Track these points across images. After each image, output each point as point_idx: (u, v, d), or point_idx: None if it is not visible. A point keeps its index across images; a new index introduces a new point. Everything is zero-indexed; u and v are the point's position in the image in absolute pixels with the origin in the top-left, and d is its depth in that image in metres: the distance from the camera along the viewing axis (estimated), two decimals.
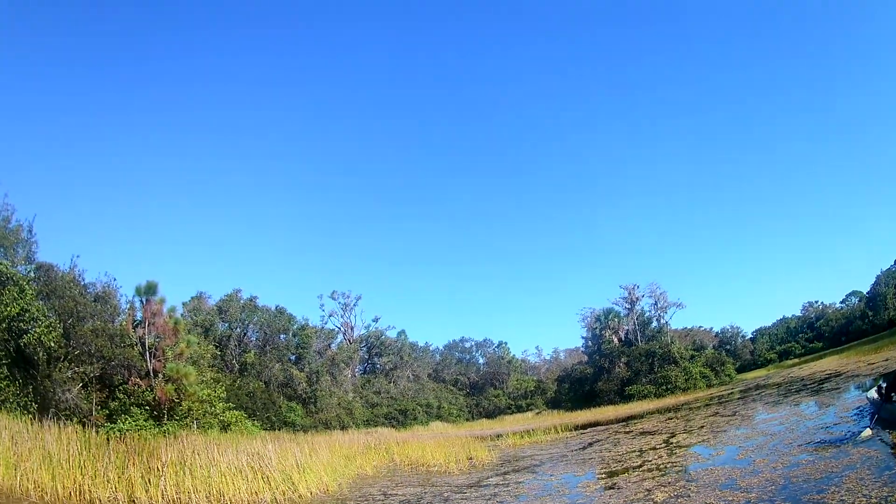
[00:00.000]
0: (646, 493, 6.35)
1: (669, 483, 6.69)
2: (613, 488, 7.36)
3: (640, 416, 27.18)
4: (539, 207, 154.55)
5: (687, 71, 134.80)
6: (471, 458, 14.42)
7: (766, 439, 7.91)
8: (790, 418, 10.14)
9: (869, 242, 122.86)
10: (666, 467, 8.16)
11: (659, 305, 56.76)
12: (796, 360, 79.59)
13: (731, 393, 31.45)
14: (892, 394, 7.71)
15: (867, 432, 7.25)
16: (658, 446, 11.36)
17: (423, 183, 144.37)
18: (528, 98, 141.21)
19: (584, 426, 26.25)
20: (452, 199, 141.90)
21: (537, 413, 54.96)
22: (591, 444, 15.57)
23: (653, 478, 7.49)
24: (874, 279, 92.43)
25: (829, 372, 22.67)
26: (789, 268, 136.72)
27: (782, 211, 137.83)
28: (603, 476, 8.87)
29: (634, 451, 11.42)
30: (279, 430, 25.74)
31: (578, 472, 9.91)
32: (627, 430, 18.88)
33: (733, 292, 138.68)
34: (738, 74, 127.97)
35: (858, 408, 9.40)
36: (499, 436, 20.17)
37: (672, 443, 11.33)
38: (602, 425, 25.03)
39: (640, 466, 8.92)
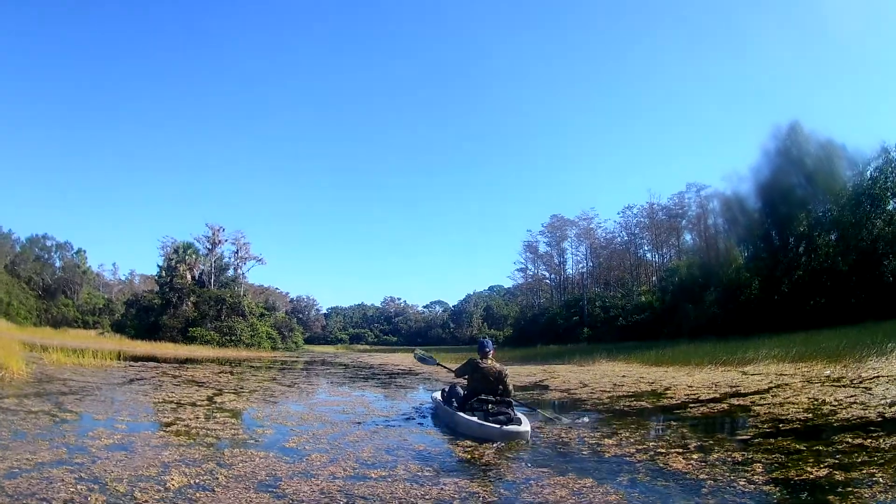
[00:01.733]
0: (160, 470, 4.71)
1: (195, 461, 5.23)
2: (128, 449, 5.57)
3: (198, 362, 25.77)
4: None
5: None
6: None
7: (326, 428, 7.15)
8: (355, 407, 9.82)
9: (477, 261, 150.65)
10: (198, 434, 6.66)
11: (240, 255, 56.78)
12: (367, 347, 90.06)
13: (296, 361, 32.38)
14: (452, 399, 7.94)
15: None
16: (199, 402, 9.66)
17: None
18: None
19: (139, 358, 24.36)
20: None
21: (101, 333, 52.49)
22: (132, 381, 13.07)
23: (178, 446, 5.94)
24: (465, 296, 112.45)
25: (403, 368, 24.56)
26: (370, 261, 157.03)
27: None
28: (122, 428, 6.91)
29: (172, 401, 9.52)
30: None
31: (99, 416, 7.65)
32: (177, 373, 16.84)
33: (317, 266, 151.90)
34: None
35: (428, 407, 9.85)
36: (46, 348, 16.47)
37: (216, 402, 9.81)
38: (157, 362, 23.38)
39: (171, 425, 7.27)
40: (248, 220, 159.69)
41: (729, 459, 5.42)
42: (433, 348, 60.46)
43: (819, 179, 30.10)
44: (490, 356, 7.88)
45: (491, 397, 7.41)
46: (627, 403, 9.98)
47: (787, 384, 10.32)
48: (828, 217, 30.06)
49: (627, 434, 7.04)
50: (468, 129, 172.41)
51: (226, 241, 55.46)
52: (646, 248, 67.82)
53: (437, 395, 9.02)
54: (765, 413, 7.83)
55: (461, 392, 8.02)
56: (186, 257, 52.23)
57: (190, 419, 7.81)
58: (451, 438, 6.95)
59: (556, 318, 60.28)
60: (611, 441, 6.61)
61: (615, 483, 4.68)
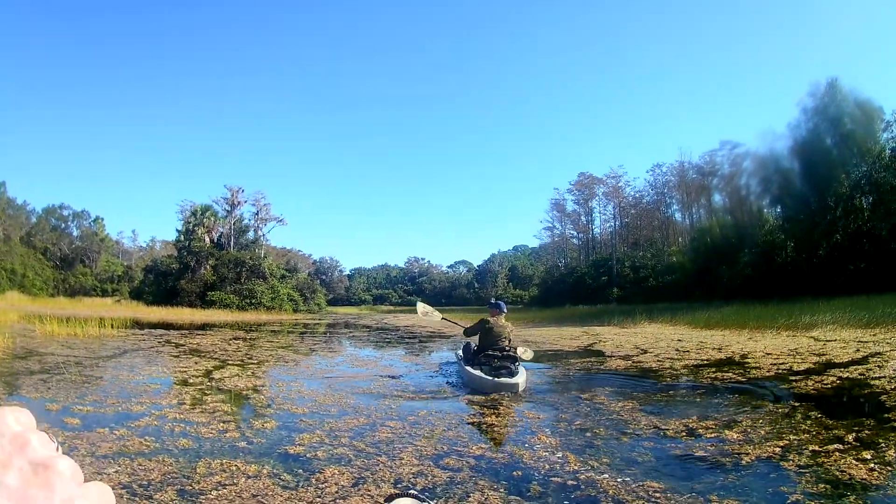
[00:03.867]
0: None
1: (146, 487, 3.37)
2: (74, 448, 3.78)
3: (214, 327, 24.53)
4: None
5: None
6: None
7: (348, 418, 5.42)
8: (385, 383, 8.11)
9: (502, 220, 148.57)
10: (172, 434, 4.79)
11: (260, 216, 54.69)
12: (391, 308, 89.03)
13: (318, 324, 30.88)
14: (480, 357, 7.99)
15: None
16: (193, 379, 7.79)
17: None
18: None
19: (150, 325, 23.06)
20: None
21: (117, 301, 51.28)
22: (124, 353, 11.38)
23: (135, 455, 4.10)
24: (489, 256, 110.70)
25: (431, 329, 22.93)
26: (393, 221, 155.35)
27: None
28: (74, 424, 5.12)
29: (159, 379, 7.83)
30: None
31: (54, 404, 5.85)
32: (182, 341, 15.18)
33: (340, 228, 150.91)
34: None
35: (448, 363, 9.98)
36: (45, 319, 15.74)
37: (213, 379, 7.96)
38: (166, 329, 21.42)
39: (141, 417, 5.42)
40: (270, 182, 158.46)
41: None
42: (458, 308, 59.31)
43: (857, 140, 29.14)
44: (502, 317, 8.36)
45: (497, 353, 7.88)
46: (711, 375, 8.26)
47: (878, 353, 9.32)
48: (866, 179, 28.58)
49: (747, 422, 5.17)
50: (494, 82, 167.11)
51: (245, 202, 53.23)
52: (675, 207, 64.74)
53: (460, 351, 9.26)
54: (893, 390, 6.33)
55: (472, 348, 8.56)
56: (204, 220, 50.56)
57: (171, 406, 5.98)
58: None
59: (584, 278, 58.06)
60: (734, 433, 4.71)
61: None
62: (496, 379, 7.30)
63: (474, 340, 8.68)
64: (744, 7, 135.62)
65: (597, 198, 69.11)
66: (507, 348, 8.01)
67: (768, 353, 10.31)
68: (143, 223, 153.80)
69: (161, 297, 43.44)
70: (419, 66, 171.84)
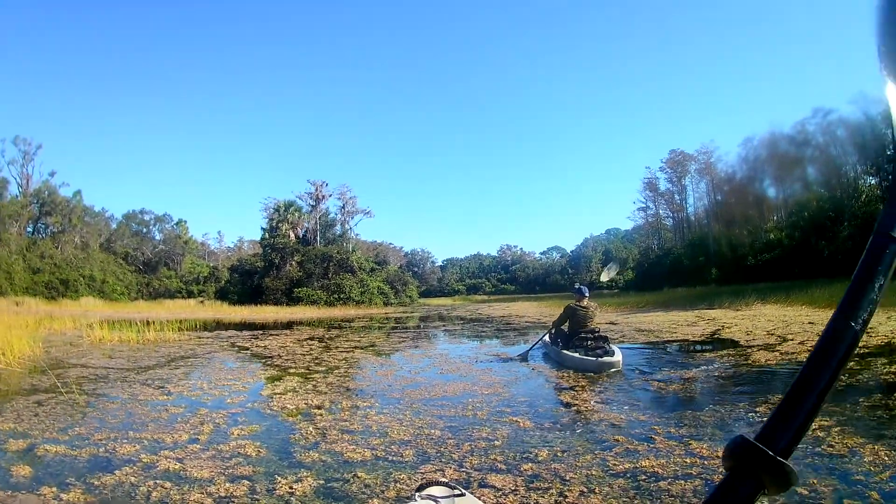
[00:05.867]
0: None
1: None
2: None
3: (299, 324, 23.19)
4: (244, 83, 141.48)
5: None
6: None
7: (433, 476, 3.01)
8: (485, 399, 5.79)
9: (593, 204, 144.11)
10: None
11: (346, 209, 53.44)
12: (485, 297, 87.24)
13: (409, 317, 29.09)
14: (559, 339, 8.97)
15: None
16: (234, 399, 5.94)
17: None
18: None
19: (230, 326, 21.71)
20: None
21: (201, 302, 49.44)
22: (170, 362, 9.73)
23: None
24: (582, 241, 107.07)
25: (530, 320, 20.86)
26: (488, 209, 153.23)
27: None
28: (26, 469, 3.22)
29: (191, 399, 5.88)
30: None
31: (17, 442, 4.09)
32: (248, 344, 13.54)
33: (431, 220, 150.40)
34: None
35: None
36: (93, 324, 14.87)
37: (259, 399, 6.07)
38: (245, 329, 20.00)
39: (110, 475, 3.47)
40: (358, 176, 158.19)
41: None
42: (552, 295, 56.70)
43: None
44: (586, 300, 8.96)
45: (589, 334, 8.44)
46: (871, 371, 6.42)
47: None
48: None
49: None
50: (579, 61, 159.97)
51: (330, 195, 51.73)
52: (767, 181, 59.14)
53: (546, 337, 10.00)
54: None
55: (565, 332, 9.03)
56: (288, 216, 49.75)
57: (174, 446, 4.03)
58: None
59: (681, 259, 54.68)
60: None
61: None
62: (598, 359, 7.77)
63: (564, 326, 9.14)
64: None
65: (689, 175, 64.14)
66: (597, 329, 8.68)
67: None
68: (230, 224, 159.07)
69: (246, 297, 42.39)
70: (510, 57, 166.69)
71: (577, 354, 8.10)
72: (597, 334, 8.42)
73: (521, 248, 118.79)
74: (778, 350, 8.70)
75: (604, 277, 10.58)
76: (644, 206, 70.20)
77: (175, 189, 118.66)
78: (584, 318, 8.68)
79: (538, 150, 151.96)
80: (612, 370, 7.49)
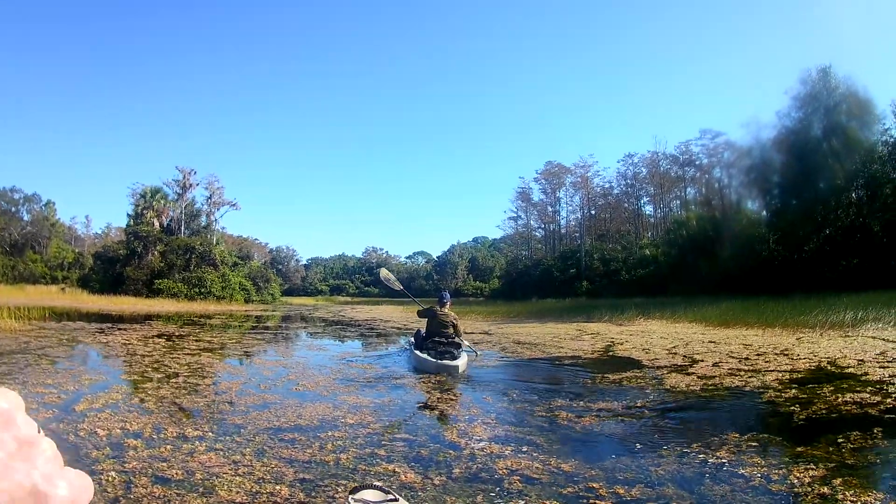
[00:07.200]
0: None
1: None
2: None
3: (157, 317, 22.84)
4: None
5: None
6: None
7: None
8: (355, 438, 5.15)
9: (462, 211, 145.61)
10: None
11: (213, 200, 51.82)
12: (348, 299, 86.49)
13: (270, 316, 28.57)
14: (427, 342, 8.95)
15: None
16: (43, 409, 5.60)
17: None
18: None
19: (88, 316, 21.16)
20: None
21: (62, 289, 47.59)
22: None
23: None
24: (448, 247, 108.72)
25: (397, 325, 21.13)
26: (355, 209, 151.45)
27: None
28: None
29: None
30: None
31: None
32: (91, 339, 12.86)
33: (297, 217, 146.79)
34: None
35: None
36: None
37: (91, 403, 5.84)
38: (104, 321, 19.25)
39: None
40: (227, 168, 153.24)
41: None
42: (417, 300, 57.07)
43: (849, 131, 28.46)
44: (447, 306, 9.51)
45: (443, 339, 8.86)
46: (832, 399, 5.90)
47: None
48: (861, 172, 28.27)
49: None
50: (457, 63, 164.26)
51: (197, 184, 50.64)
52: (645, 199, 63.98)
53: (412, 338, 10.06)
54: None
55: (422, 335, 9.34)
56: (154, 203, 48.06)
57: None
58: None
59: (551, 271, 57.16)
60: None
61: None
62: (439, 361, 8.22)
63: (423, 327, 9.58)
64: None
65: (564, 188, 68.02)
66: (452, 335, 9.10)
67: (862, 361, 8.30)
68: (99, 210, 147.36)
69: (108, 286, 41.38)
70: (381, 54, 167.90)
71: (424, 355, 8.56)
72: (449, 340, 8.91)
73: (387, 252, 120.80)
74: (694, 373, 7.99)
75: (383, 275, 10.39)
76: (515, 215, 73.15)
77: (48, 169, 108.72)
78: (439, 325, 9.17)
79: (406, 153, 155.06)
80: (450, 375, 7.82)
